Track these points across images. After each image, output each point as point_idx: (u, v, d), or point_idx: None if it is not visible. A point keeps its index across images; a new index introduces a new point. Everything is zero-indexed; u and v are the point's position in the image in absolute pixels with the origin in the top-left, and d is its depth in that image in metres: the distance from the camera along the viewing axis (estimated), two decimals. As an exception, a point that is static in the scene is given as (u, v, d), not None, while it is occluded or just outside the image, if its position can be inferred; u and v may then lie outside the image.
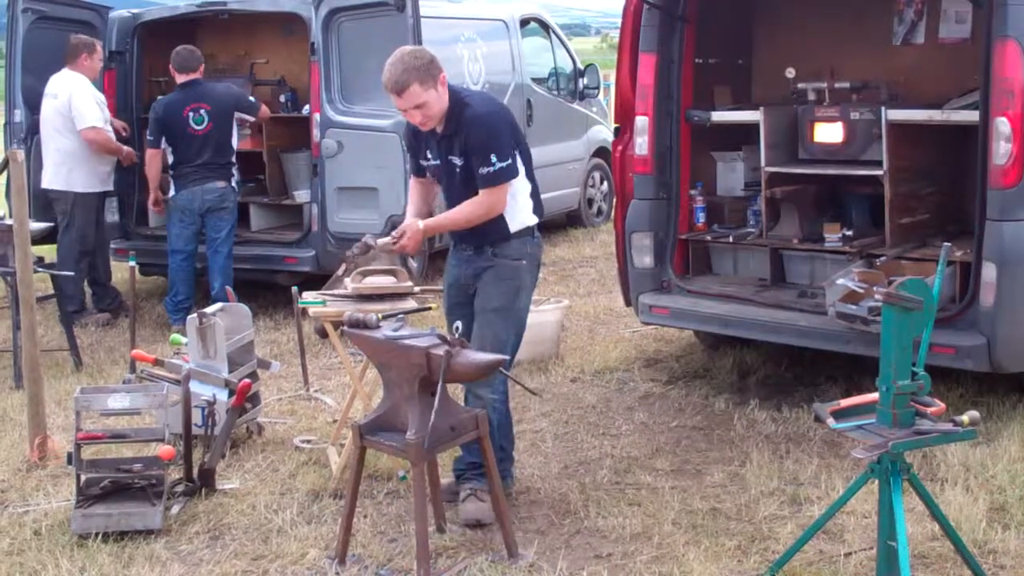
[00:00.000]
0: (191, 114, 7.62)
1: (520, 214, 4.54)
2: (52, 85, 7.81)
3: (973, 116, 5.27)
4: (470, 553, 4.24)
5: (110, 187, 8.11)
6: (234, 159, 7.87)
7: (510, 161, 4.37)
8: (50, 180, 7.89)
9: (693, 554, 4.15)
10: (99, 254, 8.22)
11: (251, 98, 8.22)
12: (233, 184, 7.85)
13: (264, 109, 8.17)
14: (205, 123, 7.64)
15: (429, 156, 4.51)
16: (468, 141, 4.33)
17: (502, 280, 4.53)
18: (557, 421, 5.76)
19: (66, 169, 7.81)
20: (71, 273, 7.46)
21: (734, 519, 4.49)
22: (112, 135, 7.98)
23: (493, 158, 4.31)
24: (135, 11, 8.92)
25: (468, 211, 4.40)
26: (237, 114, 7.89)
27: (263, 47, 9.34)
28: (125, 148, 8.02)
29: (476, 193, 4.40)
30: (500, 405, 4.62)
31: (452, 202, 4.54)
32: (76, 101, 7.73)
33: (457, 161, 4.38)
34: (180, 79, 7.71)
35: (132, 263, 7.04)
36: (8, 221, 6.13)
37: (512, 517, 4.32)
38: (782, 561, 3.94)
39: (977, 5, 5.47)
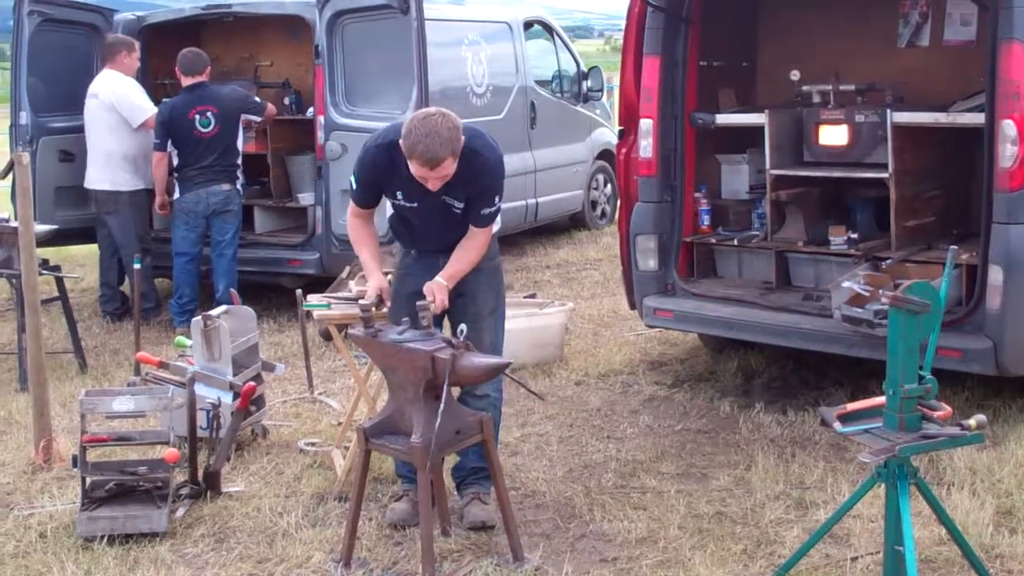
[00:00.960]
0: (197, 117, 7.62)
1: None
2: (93, 86, 7.84)
3: (979, 119, 5.25)
4: (475, 556, 4.24)
5: (149, 185, 8.11)
6: (239, 161, 7.87)
7: (503, 199, 4.49)
8: (96, 180, 7.91)
9: (699, 558, 4.15)
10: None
11: (256, 99, 8.23)
12: (238, 187, 7.86)
13: (271, 107, 8.21)
14: (212, 126, 7.64)
15: (399, 196, 4.42)
16: (477, 188, 4.35)
17: (492, 283, 4.59)
18: (562, 424, 5.76)
19: (111, 169, 7.84)
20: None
21: (740, 523, 4.48)
22: None
23: (495, 199, 4.40)
24: (140, 14, 8.94)
25: (473, 255, 4.44)
26: (244, 116, 7.90)
27: (267, 50, 9.34)
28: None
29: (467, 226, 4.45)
30: (499, 403, 4.69)
31: (434, 234, 4.50)
32: (124, 100, 7.77)
33: (457, 204, 4.39)
34: (186, 82, 7.72)
35: (137, 265, 7.05)
36: (13, 223, 6.13)
37: (517, 521, 4.31)
38: (788, 565, 3.93)
39: (982, 7, 5.47)
